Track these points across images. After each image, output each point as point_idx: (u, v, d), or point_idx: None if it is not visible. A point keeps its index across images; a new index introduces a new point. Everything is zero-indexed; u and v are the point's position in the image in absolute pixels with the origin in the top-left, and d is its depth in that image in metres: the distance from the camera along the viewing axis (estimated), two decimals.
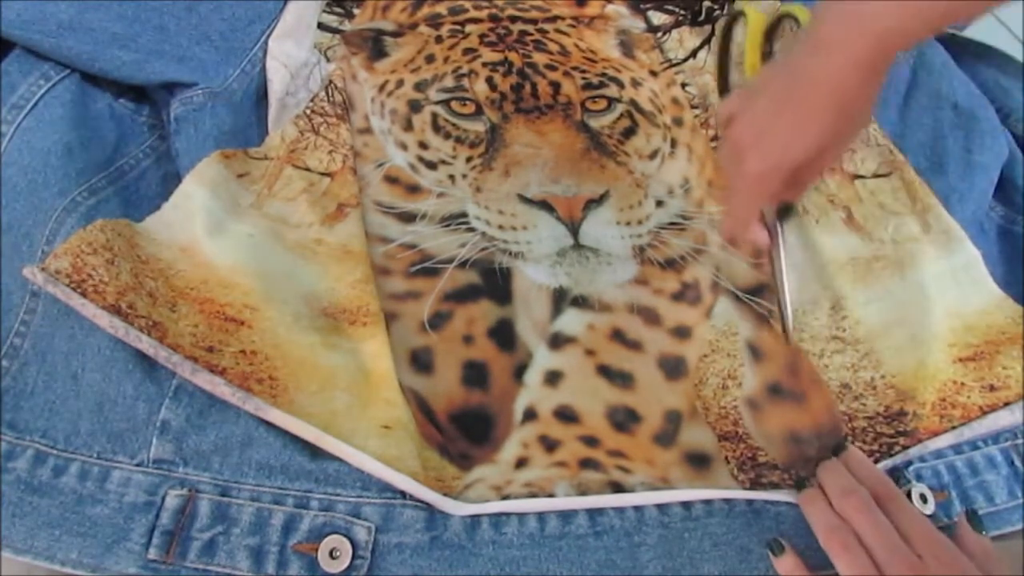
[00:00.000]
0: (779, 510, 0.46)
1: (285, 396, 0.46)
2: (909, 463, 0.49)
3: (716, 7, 0.67)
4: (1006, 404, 0.51)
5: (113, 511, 0.42)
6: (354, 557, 0.42)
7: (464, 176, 0.57)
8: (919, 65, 0.66)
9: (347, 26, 0.64)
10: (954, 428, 0.50)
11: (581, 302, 0.54)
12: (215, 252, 0.50)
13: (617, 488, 0.47)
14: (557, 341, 0.52)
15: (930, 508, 0.46)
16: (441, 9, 0.64)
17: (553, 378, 0.51)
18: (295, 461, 0.44)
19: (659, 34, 0.67)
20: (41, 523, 0.41)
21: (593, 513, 0.45)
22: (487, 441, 0.49)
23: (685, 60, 0.65)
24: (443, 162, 0.57)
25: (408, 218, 0.56)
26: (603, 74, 0.61)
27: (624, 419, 0.50)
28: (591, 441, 0.49)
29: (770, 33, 0.61)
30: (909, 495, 0.46)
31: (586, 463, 0.48)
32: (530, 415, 0.50)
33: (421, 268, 0.54)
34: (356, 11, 0.65)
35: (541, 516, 0.45)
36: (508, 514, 0.45)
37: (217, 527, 0.42)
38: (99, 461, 0.43)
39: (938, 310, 0.54)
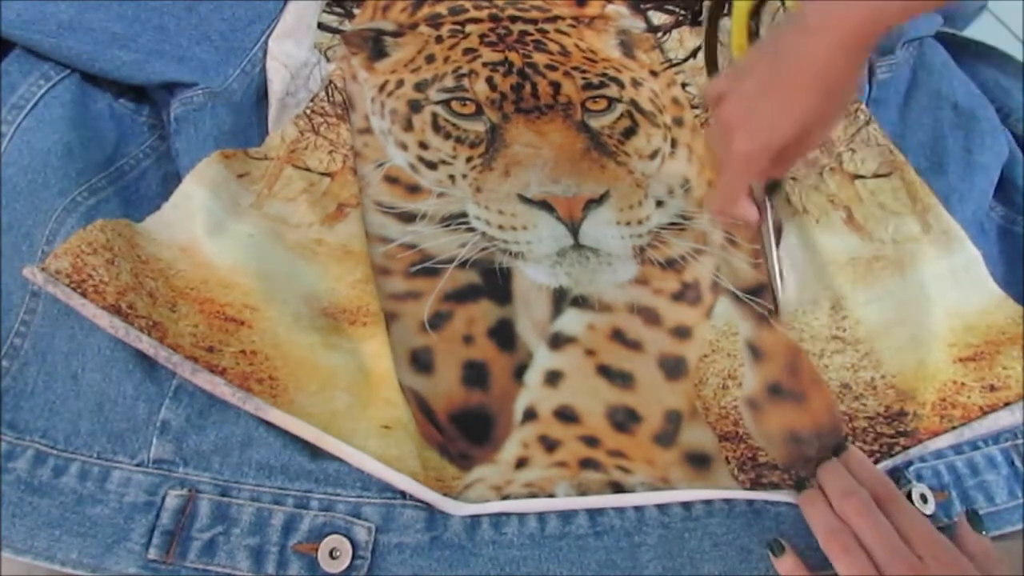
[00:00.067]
0: (779, 510, 0.46)
1: (285, 396, 0.46)
2: (909, 463, 0.49)
3: (720, 17, 0.67)
4: (1006, 404, 0.51)
5: (113, 511, 0.42)
6: (354, 557, 0.42)
7: (464, 176, 0.57)
8: (919, 65, 0.66)
9: (347, 26, 0.64)
10: (954, 428, 0.50)
11: (581, 302, 0.54)
12: (215, 252, 0.50)
13: (617, 488, 0.47)
14: (557, 341, 0.52)
15: (930, 508, 0.46)
16: (441, 9, 0.64)
17: (553, 378, 0.51)
18: (295, 461, 0.44)
19: (659, 34, 0.67)
20: (41, 523, 0.41)
21: (593, 513, 0.45)
22: (487, 441, 0.49)
23: (685, 60, 0.65)
24: (443, 162, 0.57)
25: (408, 218, 0.56)
26: (603, 74, 0.61)
27: (624, 419, 0.50)
28: (591, 441, 0.49)
29: (756, 13, 0.61)
30: (909, 495, 0.46)
31: (586, 463, 0.48)
32: (530, 415, 0.50)
33: (421, 268, 0.54)
34: (356, 11, 0.65)
35: (541, 516, 0.45)
36: (508, 514, 0.45)
37: (217, 527, 0.42)
38: (99, 461, 0.43)
39: (938, 310, 0.54)
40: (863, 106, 0.63)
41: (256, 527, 0.42)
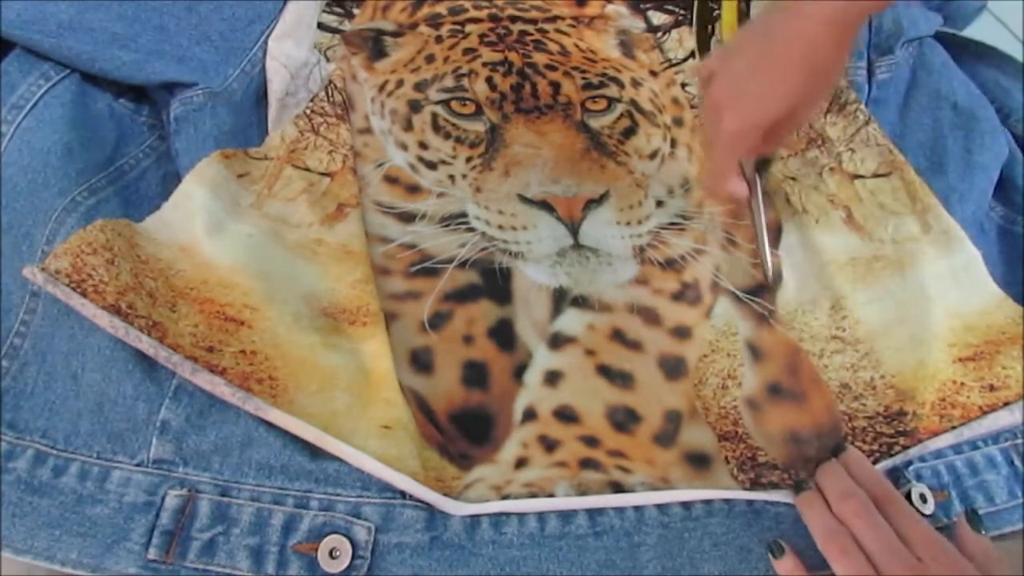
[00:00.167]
0: (779, 510, 0.46)
1: (285, 396, 0.46)
2: (909, 463, 0.49)
3: (715, 7, 0.67)
4: (1006, 404, 0.51)
5: (113, 511, 0.42)
6: (354, 557, 0.42)
7: (464, 176, 0.57)
8: (919, 65, 0.66)
9: (347, 26, 0.64)
10: (954, 428, 0.50)
11: (581, 302, 0.54)
12: (215, 252, 0.50)
13: (617, 488, 0.47)
14: (557, 341, 0.52)
15: (930, 508, 0.46)
16: (441, 9, 0.64)
17: (553, 378, 0.51)
18: (295, 461, 0.44)
19: (659, 34, 0.67)
20: (41, 523, 0.41)
21: (593, 513, 0.45)
22: (487, 441, 0.49)
23: (685, 60, 0.65)
24: (443, 162, 0.57)
25: (408, 218, 0.56)
26: (603, 74, 0.61)
27: (624, 419, 0.50)
28: (591, 441, 0.49)
29: None
30: (909, 495, 0.46)
31: (586, 463, 0.48)
32: (530, 415, 0.50)
33: (421, 268, 0.54)
34: (356, 11, 0.65)
35: (541, 516, 0.45)
36: (508, 514, 0.45)
37: (217, 527, 0.42)
38: (99, 461, 0.43)
39: (938, 310, 0.54)
40: (863, 106, 0.63)
41: (256, 527, 0.42)
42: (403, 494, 0.44)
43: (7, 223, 0.49)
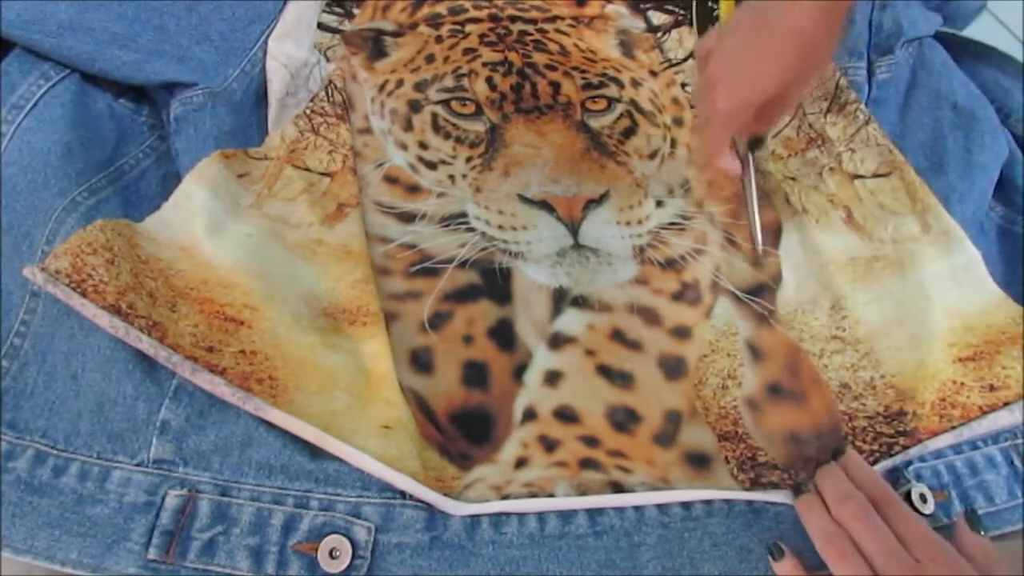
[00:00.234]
0: (779, 510, 0.46)
1: (285, 396, 0.46)
2: (909, 463, 0.49)
3: (715, 7, 0.67)
4: (1006, 404, 0.51)
5: (113, 511, 0.42)
6: (354, 557, 0.42)
7: (464, 176, 0.57)
8: (919, 65, 0.66)
9: (347, 26, 0.64)
10: (954, 428, 0.50)
11: (581, 302, 0.54)
12: (215, 252, 0.50)
13: (617, 488, 0.47)
14: (557, 341, 0.52)
15: (930, 508, 0.46)
16: (441, 9, 0.64)
17: (553, 378, 0.51)
18: (295, 461, 0.44)
19: (659, 34, 0.67)
20: (41, 523, 0.41)
21: (593, 513, 0.45)
22: (487, 441, 0.49)
23: (685, 60, 0.65)
24: (443, 162, 0.57)
25: (408, 218, 0.56)
26: (603, 74, 0.61)
27: (624, 419, 0.50)
28: (591, 441, 0.49)
29: None
30: (909, 495, 0.46)
31: (586, 463, 0.48)
32: (530, 415, 0.50)
33: (421, 268, 0.54)
34: (356, 11, 0.65)
35: (541, 516, 0.45)
36: (508, 514, 0.45)
37: (217, 527, 0.42)
38: (99, 461, 0.43)
39: (938, 310, 0.54)
40: (863, 106, 0.63)
41: (256, 527, 0.42)
42: (403, 494, 0.44)
43: (7, 223, 0.49)
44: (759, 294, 0.55)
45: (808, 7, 0.43)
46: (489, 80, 0.60)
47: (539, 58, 0.61)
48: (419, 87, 0.60)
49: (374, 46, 0.62)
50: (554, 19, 0.64)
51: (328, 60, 0.62)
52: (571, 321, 0.53)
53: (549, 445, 0.48)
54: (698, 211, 0.58)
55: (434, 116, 0.59)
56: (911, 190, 0.59)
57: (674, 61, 0.65)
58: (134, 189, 0.54)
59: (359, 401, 0.47)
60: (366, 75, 0.61)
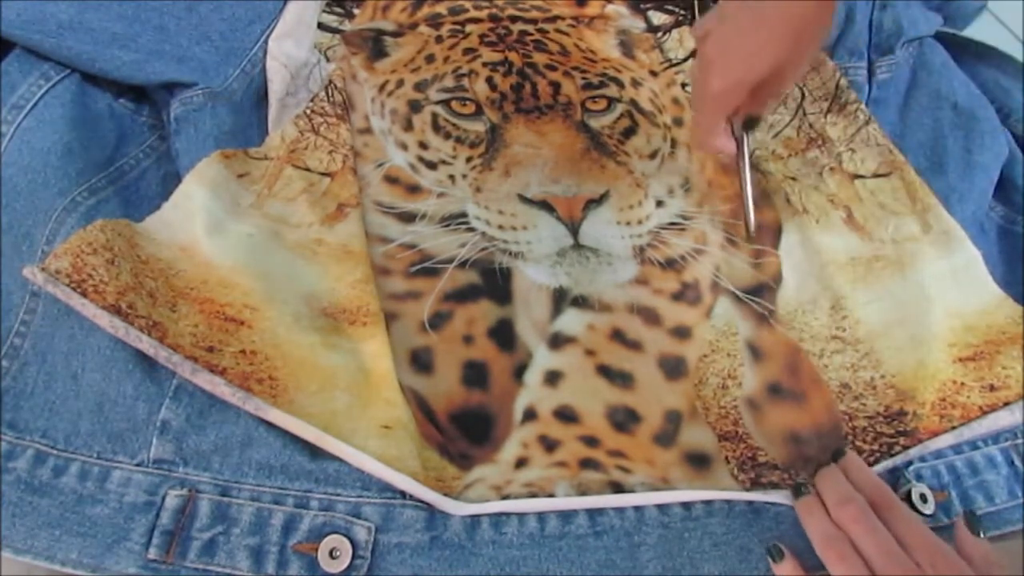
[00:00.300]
0: (779, 510, 0.46)
1: (285, 396, 0.46)
2: (909, 463, 0.49)
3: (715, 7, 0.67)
4: (1006, 404, 0.51)
5: (113, 511, 0.42)
6: (354, 557, 0.42)
7: (464, 176, 0.57)
8: (919, 65, 0.66)
9: (347, 26, 0.64)
10: (954, 428, 0.50)
11: (581, 302, 0.54)
12: (215, 252, 0.50)
13: (617, 488, 0.47)
14: (557, 341, 0.52)
15: (930, 508, 0.46)
16: (441, 9, 0.64)
17: (553, 378, 0.51)
18: (295, 461, 0.44)
19: (659, 34, 0.67)
20: (41, 523, 0.41)
21: (593, 513, 0.45)
22: (487, 441, 0.49)
23: (685, 60, 0.65)
24: (443, 162, 0.57)
25: (408, 218, 0.56)
26: (603, 74, 0.61)
27: (624, 419, 0.50)
28: (591, 441, 0.49)
29: None
30: (909, 495, 0.46)
31: (586, 463, 0.48)
32: (530, 415, 0.50)
33: (421, 268, 0.54)
34: (356, 11, 0.65)
35: (541, 516, 0.45)
36: (508, 514, 0.45)
37: (217, 527, 0.42)
38: (99, 461, 0.43)
39: (938, 310, 0.54)
40: (863, 106, 0.63)
41: (256, 527, 0.42)
42: (403, 494, 0.44)
43: (7, 223, 0.49)
44: (759, 294, 0.55)
45: None
46: (489, 80, 0.60)
47: (539, 58, 0.61)
48: (419, 87, 0.60)
49: (374, 46, 0.62)
50: (554, 19, 0.64)
51: (328, 60, 0.62)
52: (571, 321, 0.53)
53: (549, 445, 0.48)
54: (698, 211, 0.58)
55: (434, 116, 0.59)
56: (911, 190, 0.59)
57: (674, 61, 0.65)
58: (134, 189, 0.54)
59: (359, 401, 0.47)
60: (366, 75, 0.61)
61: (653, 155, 0.59)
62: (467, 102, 0.59)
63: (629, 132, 0.60)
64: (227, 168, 0.53)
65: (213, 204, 0.51)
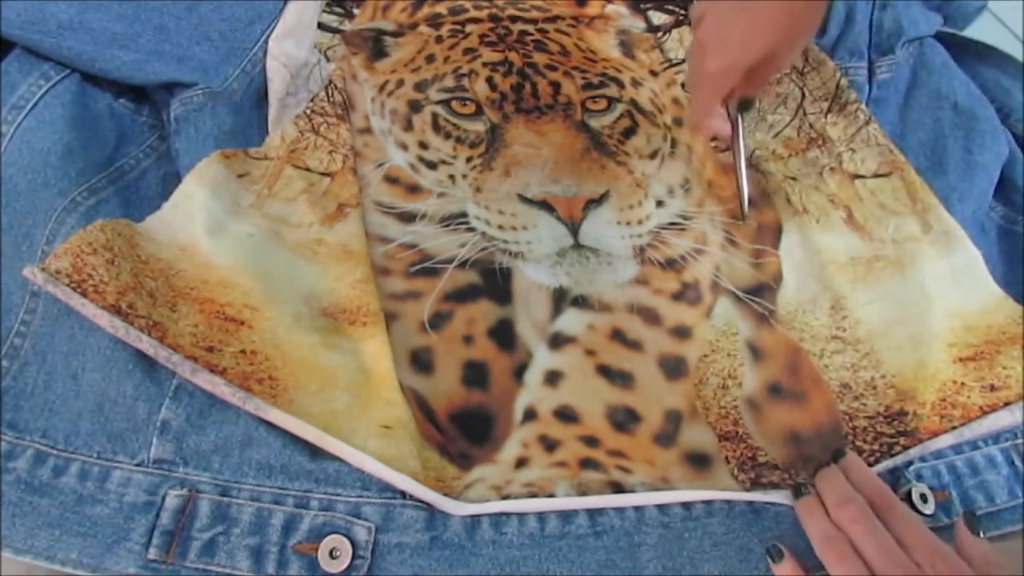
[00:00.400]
0: (779, 510, 0.46)
1: (285, 396, 0.46)
2: (909, 463, 0.49)
3: None
4: (1006, 404, 0.51)
5: (113, 511, 0.42)
6: (354, 557, 0.42)
7: (464, 176, 0.57)
8: (919, 65, 0.66)
9: (347, 26, 0.64)
10: (954, 428, 0.50)
11: (581, 302, 0.54)
12: (215, 252, 0.50)
13: (617, 488, 0.47)
14: (557, 341, 0.52)
15: (930, 508, 0.46)
16: (441, 9, 0.64)
17: (553, 378, 0.51)
18: (295, 461, 0.44)
19: (659, 34, 0.67)
20: (41, 523, 0.41)
21: (593, 513, 0.45)
22: (487, 441, 0.49)
23: (685, 60, 0.65)
24: (443, 162, 0.57)
25: (408, 218, 0.56)
26: (603, 74, 0.61)
27: (624, 419, 0.50)
28: (591, 441, 0.49)
29: None
30: (909, 495, 0.46)
31: (586, 463, 0.48)
32: (530, 415, 0.50)
33: (421, 268, 0.54)
34: (356, 11, 0.65)
35: (541, 516, 0.45)
36: (508, 514, 0.45)
37: (217, 527, 0.42)
38: (99, 461, 0.43)
39: (938, 310, 0.54)
40: (863, 106, 0.63)
41: (256, 527, 0.42)
42: (403, 494, 0.44)
43: (7, 223, 0.49)
44: (759, 294, 0.55)
45: None
46: (489, 80, 0.60)
47: (539, 58, 0.61)
48: (419, 87, 0.60)
49: (374, 46, 0.62)
50: (554, 19, 0.64)
51: (328, 60, 0.62)
52: (571, 321, 0.53)
53: (549, 445, 0.48)
54: (698, 211, 0.58)
55: (434, 116, 0.59)
56: (911, 190, 0.59)
57: (674, 61, 0.65)
58: (134, 189, 0.54)
59: (359, 401, 0.47)
60: (366, 75, 0.61)
61: (653, 155, 0.59)
62: (467, 102, 0.59)
63: (629, 132, 0.60)
64: (227, 168, 0.53)
65: (213, 204, 0.51)
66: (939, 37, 0.68)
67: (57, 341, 0.46)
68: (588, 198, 0.55)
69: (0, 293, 0.47)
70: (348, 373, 0.48)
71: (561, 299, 0.54)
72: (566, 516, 0.45)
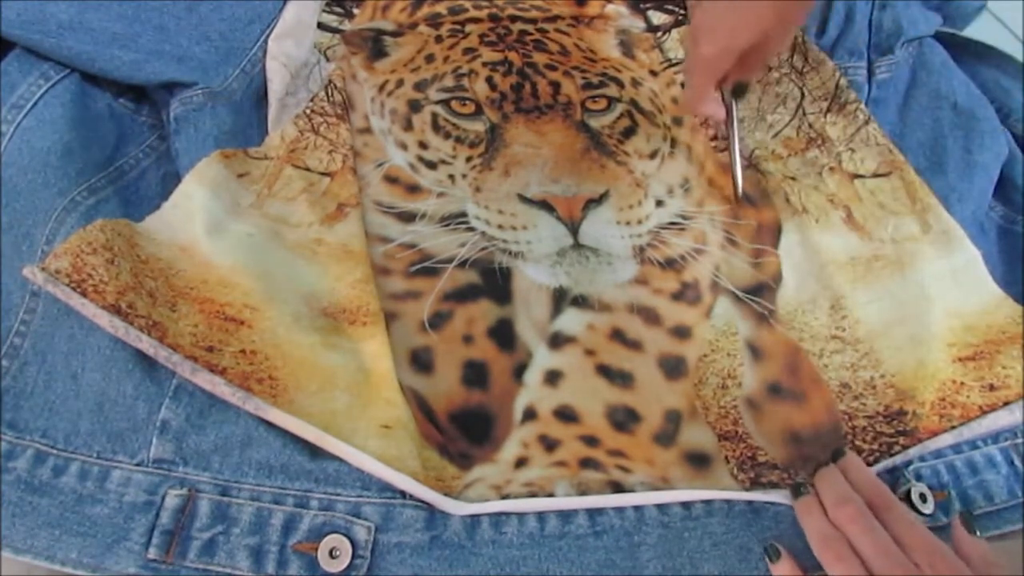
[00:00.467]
0: (778, 509, 0.46)
1: (285, 396, 0.46)
2: (909, 462, 0.49)
3: None
4: (1006, 404, 0.51)
5: (113, 511, 0.42)
6: (354, 557, 0.42)
7: (464, 176, 0.57)
8: (919, 65, 0.66)
9: (347, 26, 0.64)
10: (954, 428, 0.50)
11: (581, 302, 0.54)
12: (215, 252, 0.50)
13: (617, 488, 0.47)
14: (557, 341, 0.52)
15: (930, 508, 0.46)
16: (441, 9, 0.64)
17: (553, 378, 0.51)
18: (295, 461, 0.44)
19: (659, 34, 0.67)
20: (41, 523, 0.41)
21: (593, 513, 0.45)
22: (487, 441, 0.49)
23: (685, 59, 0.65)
24: (443, 162, 0.57)
25: (408, 218, 0.56)
26: (603, 74, 0.61)
27: (624, 419, 0.50)
28: (591, 441, 0.49)
29: None
30: (909, 494, 0.46)
31: (586, 463, 0.48)
32: (530, 415, 0.50)
33: (421, 268, 0.54)
34: (356, 11, 0.65)
35: (541, 516, 0.45)
36: (508, 514, 0.45)
37: (217, 527, 0.42)
38: (99, 461, 0.43)
39: (938, 310, 0.54)
40: (863, 106, 0.63)
41: (256, 527, 0.42)
42: (403, 494, 0.44)
43: (7, 223, 0.49)
44: (759, 294, 0.55)
45: None
46: (489, 80, 0.60)
47: (539, 58, 0.61)
48: (419, 87, 0.60)
49: (374, 46, 0.62)
50: (554, 19, 0.64)
51: (328, 60, 0.62)
52: (571, 321, 0.53)
53: (549, 445, 0.48)
54: (698, 211, 0.58)
55: (434, 116, 0.59)
56: (911, 190, 0.59)
57: (674, 61, 0.65)
58: (134, 189, 0.54)
59: (359, 401, 0.47)
60: (366, 75, 0.61)
61: (653, 155, 0.59)
62: (467, 102, 0.59)
63: (629, 132, 0.60)
64: (227, 168, 0.53)
65: (213, 204, 0.51)
66: (939, 37, 0.68)
67: (57, 341, 0.46)
68: (588, 198, 0.55)
69: (0, 293, 0.47)
70: (348, 373, 0.48)
71: (561, 299, 0.54)
72: (566, 516, 0.45)
